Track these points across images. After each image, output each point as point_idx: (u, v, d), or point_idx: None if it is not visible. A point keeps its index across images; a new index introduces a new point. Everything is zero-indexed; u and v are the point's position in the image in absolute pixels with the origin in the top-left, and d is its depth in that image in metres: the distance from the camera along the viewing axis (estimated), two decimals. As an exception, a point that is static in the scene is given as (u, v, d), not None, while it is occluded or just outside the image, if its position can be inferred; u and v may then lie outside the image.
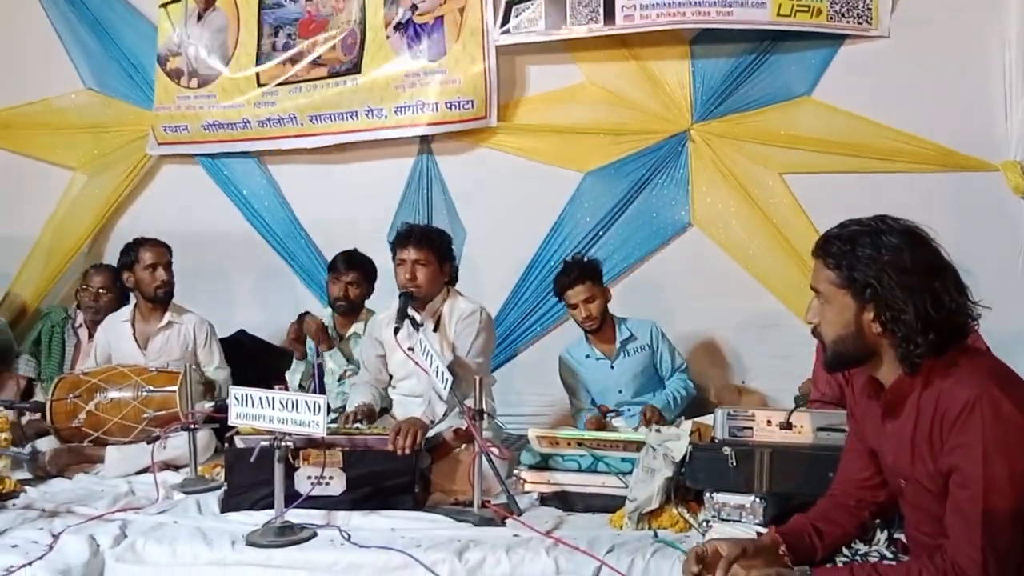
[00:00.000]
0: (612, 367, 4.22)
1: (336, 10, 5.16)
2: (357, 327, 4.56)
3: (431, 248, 3.86)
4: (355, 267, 4.56)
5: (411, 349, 3.67)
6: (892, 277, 1.89)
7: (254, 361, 4.89)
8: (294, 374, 4.50)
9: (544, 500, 3.38)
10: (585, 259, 4.27)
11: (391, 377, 4.07)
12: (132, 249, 4.48)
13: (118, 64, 5.49)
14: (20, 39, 5.58)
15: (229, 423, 3.21)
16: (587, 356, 4.26)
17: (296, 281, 5.34)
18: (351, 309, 4.57)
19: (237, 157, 5.38)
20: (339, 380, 4.49)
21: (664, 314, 4.45)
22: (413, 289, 3.82)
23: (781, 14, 4.60)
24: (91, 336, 4.73)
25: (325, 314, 4.66)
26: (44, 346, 4.72)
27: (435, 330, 3.88)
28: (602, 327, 4.21)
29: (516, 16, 4.84)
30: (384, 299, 4.48)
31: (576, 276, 4.14)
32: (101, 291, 4.76)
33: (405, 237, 3.88)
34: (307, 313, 4.49)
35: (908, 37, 4.59)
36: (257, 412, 3.06)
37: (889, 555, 2.11)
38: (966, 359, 1.92)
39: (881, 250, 1.91)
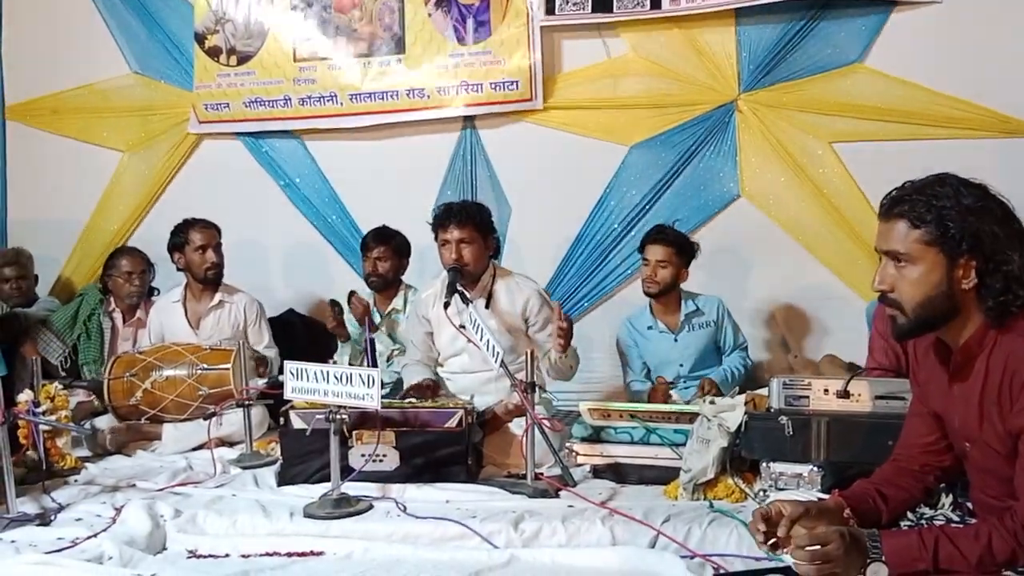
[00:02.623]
0: (675, 340, 4.17)
1: (370, -17, 5.16)
2: (396, 302, 4.59)
3: (473, 225, 3.84)
4: (382, 241, 4.58)
5: (463, 327, 3.66)
6: (991, 230, 1.83)
7: (303, 339, 4.93)
8: (342, 356, 4.54)
9: (597, 472, 3.39)
10: (685, 233, 4.20)
11: (439, 354, 4.08)
12: (182, 230, 4.52)
13: (162, 47, 5.53)
14: (66, 25, 5.64)
15: (284, 397, 3.25)
16: (649, 327, 4.21)
17: (338, 260, 5.37)
18: (384, 284, 4.60)
19: (278, 136, 5.41)
20: (387, 360, 4.51)
21: (713, 287, 4.40)
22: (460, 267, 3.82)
23: (829, -12, 4.55)
24: (125, 320, 4.79)
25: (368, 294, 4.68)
26: (82, 329, 4.75)
27: (487, 307, 3.86)
28: (664, 298, 4.15)
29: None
30: (423, 278, 4.53)
31: (665, 238, 4.09)
32: (132, 273, 4.75)
33: (445, 217, 3.86)
34: (354, 292, 4.49)
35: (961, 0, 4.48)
36: (312, 386, 3.10)
37: (955, 518, 2.08)
38: None
39: (966, 202, 1.85)
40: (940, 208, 1.86)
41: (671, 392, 4.03)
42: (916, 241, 1.90)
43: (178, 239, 4.52)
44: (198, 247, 4.47)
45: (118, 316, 4.81)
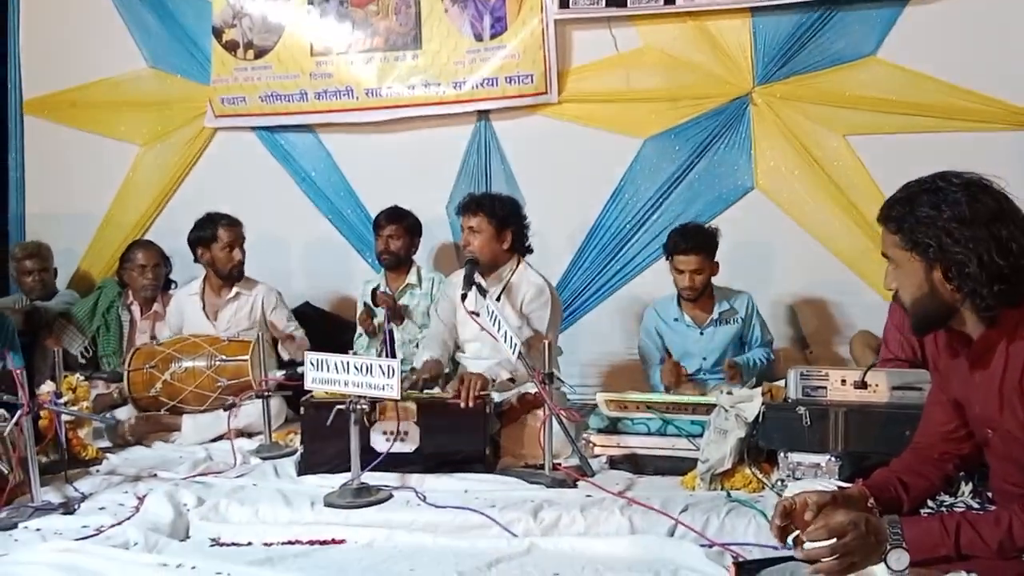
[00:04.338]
0: (701, 334, 4.16)
1: (387, -23, 5.18)
2: (410, 277, 4.66)
3: (484, 214, 3.90)
4: (395, 220, 4.65)
5: (476, 314, 3.68)
6: (952, 233, 1.86)
7: (319, 332, 4.94)
8: (369, 349, 4.57)
9: (614, 463, 3.41)
10: (707, 228, 4.17)
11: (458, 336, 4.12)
12: (207, 226, 4.51)
13: (178, 42, 5.56)
14: (83, 20, 5.67)
15: (305, 388, 3.27)
16: (676, 319, 4.21)
17: (353, 252, 5.39)
18: (396, 262, 4.67)
19: (293, 130, 5.43)
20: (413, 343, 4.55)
21: (726, 280, 4.40)
22: (468, 254, 3.88)
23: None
24: (143, 313, 4.81)
25: (374, 283, 4.72)
26: (101, 322, 4.77)
27: (498, 299, 3.88)
28: (700, 297, 4.15)
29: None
30: (423, 256, 4.61)
31: (692, 246, 4.04)
32: (146, 267, 4.76)
33: (462, 206, 4.00)
34: (378, 288, 4.53)
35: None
36: (332, 376, 3.13)
37: (975, 506, 2.09)
38: None
39: (941, 207, 1.88)
40: (912, 216, 1.91)
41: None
42: (894, 246, 1.97)
43: (204, 234, 4.51)
44: (225, 245, 4.48)
45: (136, 309, 4.83)
